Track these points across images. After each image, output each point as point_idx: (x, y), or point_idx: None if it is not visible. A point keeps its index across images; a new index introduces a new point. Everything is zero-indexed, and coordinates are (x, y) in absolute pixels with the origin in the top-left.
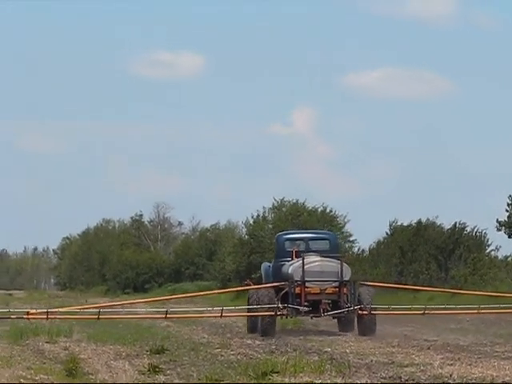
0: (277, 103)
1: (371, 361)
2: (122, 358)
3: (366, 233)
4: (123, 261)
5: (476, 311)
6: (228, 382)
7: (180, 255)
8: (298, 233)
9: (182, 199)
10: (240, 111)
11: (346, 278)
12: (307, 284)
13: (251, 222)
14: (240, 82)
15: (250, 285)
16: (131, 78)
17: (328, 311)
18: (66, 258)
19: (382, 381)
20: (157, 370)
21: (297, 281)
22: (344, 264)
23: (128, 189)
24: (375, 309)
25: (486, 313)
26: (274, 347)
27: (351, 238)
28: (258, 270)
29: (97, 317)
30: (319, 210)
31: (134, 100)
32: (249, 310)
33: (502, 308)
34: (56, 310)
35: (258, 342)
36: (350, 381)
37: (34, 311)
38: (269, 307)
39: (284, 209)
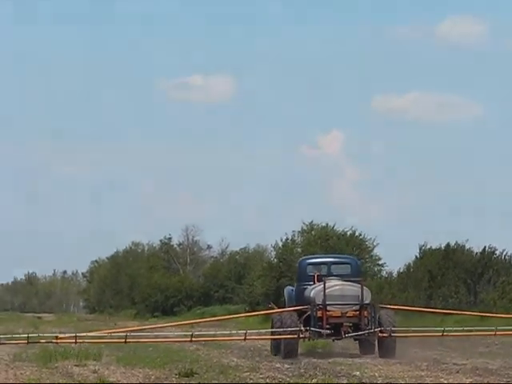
0: (306, 126)
1: None
2: (150, 381)
3: (394, 256)
4: (152, 284)
5: (493, 333)
6: None
7: (209, 278)
8: (320, 257)
9: (211, 222)
10: (268, 134)
11: (367, 302)
12: (329, 307)
13: (280, 245)
14: (268, 106)
15: (273, 308)
16: (161, 100)
17: (349, 333)
18: (94, 282)
19: None
20: None
21: (318, 304)
22: (364, 288)
23: (157, 212)
24: (395, 331)
25: (503, 334)
26: (302, 371)
27: (380, 262)
28: None
29: (124, 341)
30: (348, 233)
31: (162, 122)
32: (272, 333)
33: None
34: (84, 334)
35: (286, 366)
36: None
37: (62, 336)
38: (291, 330)
39: (313, 232)
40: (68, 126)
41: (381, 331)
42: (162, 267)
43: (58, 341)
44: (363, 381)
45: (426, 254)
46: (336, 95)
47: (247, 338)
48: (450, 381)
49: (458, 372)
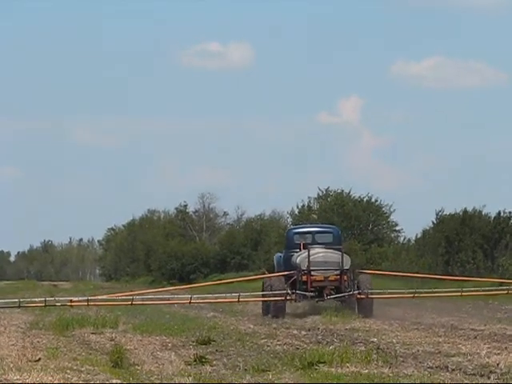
0: (324, 92)
1: (418, 350)
2: (167, 348)
3: (412, 222)
4: (168, 251)
5: (460, 294)
6: (274, 372)
7: (225, 245)
8: (305, 227)
9: (228, 189)
10: (287, 101)
11: (346, 267)
12: (312, 272)
13: (296, 211)
14: (288, 72)
15: (265, 273)
16: (179, 70)
17: (331, 296)
18: (111, 249)
19: (429, 370)
20: (203, 360)
21: (303, 270)
22: (344, 254)
23: (173, 179)
24: (372, 293)
25: (488, 294)
26: (320, 337)
27: (397, 228)
28: None
29: (130, 303)
30: (364, 199)
31: (180, 92)
32: (263, 296)
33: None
34: (95, 297)
35: (304, 332)
36: (396, 371)
37: (76, 299)
38: (279, 293)
39: (329, 199)
40: (89, 95)
41: (359, 293)
42: (178, 234)
43: (73, 304)
44: (381, 347)
45: (442, 220)
46: (357, 60)
47: (241, 300)
48: (468, 347)
49: (475, 338)
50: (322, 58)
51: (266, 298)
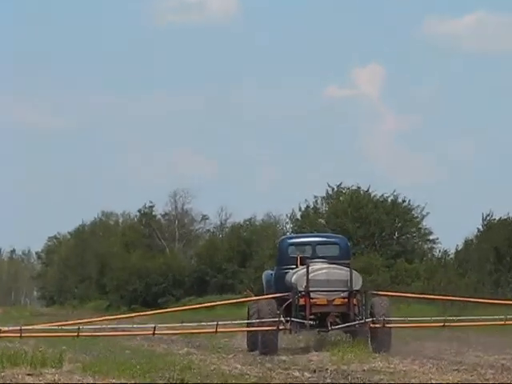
0: (334, 58)
1: None
2: None
3: (450, 230)
4: (129, 267)
5: (503, 322)
6: None
7: (204, 260)
8: (303, 236)
9: (208, 186)
10: (285, 70)
11: (357, 288)
12: (312, 294)
13: (298, 215)
14: (286, 31)
15: (250, 296)
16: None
17: (336, 325)
18: (53, 264)
19: None
20: None
21: (301, 291)
22: (354, 272)
23: (136, 172)
24: (390, 321)
25: None
26: (329, 381)
27: (431, 237)
28: None
29: (76, 334)
30: (388, 199)
31: (144, 57)
32: (248, 325)
33: None
34: (31, 327)
35: (307, 375)
36: None
37: (6, 329)
38: (270, 321)
39: (342, 198)
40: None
41: (373, 322)
42: (141, 245)
43: (1, 334)
44: None
45: (491, 227)
46: (375, 16)
47: (218, 330)
48: None
49: None
50: (329, 12)
51: (252, 328)
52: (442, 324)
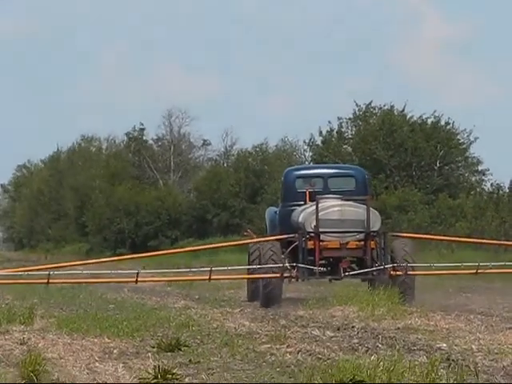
0: None
1: (511, 363)
2: (112, 358)
3: (504, 159)
4: (114, 204)
5: None
6: None
7: (205, 195)
8: (313, 168)
9: (209, 104)
10: None
11: (375, 229)
12: (323, 236)
13: (319, 141)
14: None
15: (251, 236)
16: None
17: (351, 271)
18: (22, 200)
19: None
20: (169, 376)
21: (309, 232)
22: (372, 209)
23: (121, 86)
24: (413, 268)
25: None
26: (356, 342)
27: (480, 168)
28: None
29: (46, 281)
30: (428, 121)
31: None
32: (249, 270)
33: None
34: None
35: (330, 334)
36: None
37: None
38: (272, 267)
39: (372, 120)
40: None
41: (393, 268)
42: (129, 176)
43: None
44: (453, 357)
45: None
46: None
47: (212, 277)
48: None
49: None
50: None
51: (251, 276)
52: (474, 271)
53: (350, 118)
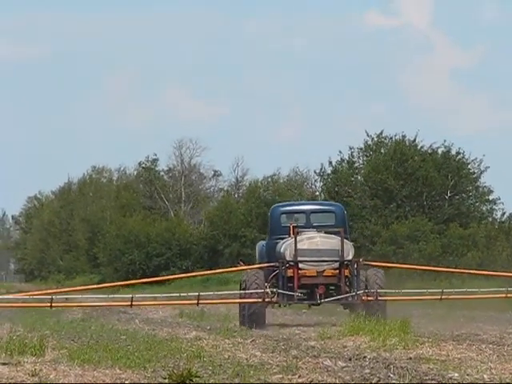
0: None
1: None
2: None
3: None
4: (125, 235)
5: (504, 295)
6: None
7: (216, 225)
8: (296, 204)
9: (221, 135)
10: None
11: (349, 258)
12: (301, 265)
13: (329, 171)
14: None
15: (242, 266)
16: None
17: (327, 297)
18: (33, 231)
19: None
20: None
21: (289, 261)
22: (345, 240)
23: (134, 119)
24: (384, 294)
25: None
26: (368, 371)
27: (491, 197)
28: None
29: (49, 305)
30: (439, 151)
31: None
32: (240, 296)
33: None
34: (2, 296)
35: (341, 364)
36: None
37: None
38: (255, 293)
39: (383, 150)
40: None
41: (366, 294)
42: (140, 207)
43: None
44: None
45: None
46: None
47: (200, 302)
48: None
49: None
50: None
51: (234, 300)
52: (438, 297)
53: (360, 148)
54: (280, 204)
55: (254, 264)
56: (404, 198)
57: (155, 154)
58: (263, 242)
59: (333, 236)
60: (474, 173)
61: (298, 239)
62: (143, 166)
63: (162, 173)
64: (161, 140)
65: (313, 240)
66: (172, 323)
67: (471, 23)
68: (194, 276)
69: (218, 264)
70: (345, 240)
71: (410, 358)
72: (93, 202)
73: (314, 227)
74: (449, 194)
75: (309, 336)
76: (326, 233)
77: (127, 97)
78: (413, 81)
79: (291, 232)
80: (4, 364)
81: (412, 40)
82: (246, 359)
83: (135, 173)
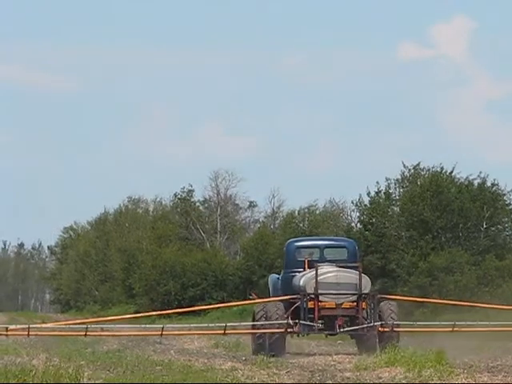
0: (410, 11)
1: None
2: None
3: None
4: (161, 265)
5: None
6: None
7: (252, 256)
8: (311, 239)
9: (256, 166)
10: (347, 24)
11: (366, 291)
12: (321, 297)
13: (367, 201)
14: None
15: (255, 298)
16: None
17: (345, 328)
18: (69, 261)
19: None
20: None
21: (310, 294)
22: (363, 275)
23: (171, 151)
24: (398, 325)
25: None
26: None
27: None
28: (377, 278)
29: (84, 334)
30: (475, 182)
31: (176, 6)
32: (254, 327)
33: None
34: (38, 325)
35: None
36: None
37: (13, 327)
38: (278, 323)
39: (419, 181)
40: None
41: (381, 325)
42: (176, 237)
43: (9, 333)
44: None
45: None
46: None
47: (227, 332)
48: None
49: None
50: None
51: (259, 330)
52: (450, 329)
53: (397, 179)
54: (295, 239)
55: (265, 297)
56: (440, 230)
57: (191, 185)
58: (277, 276)
59: (350, 270)
60: (510, 204)
61: (318, 273)
62: (179, 197)
63: (197, 203)
64: (197, 171)
65: (332, 274)
66: (207, 354)
67: (507, 53)
68: (227, 307)
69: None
70: (362, 274)
71: None
72: (129, 233)
73: (327, 261)
74: (484, 226)
75: (344, 367)
76: (339, 267)
77: (165, 129)
78: (449, 112)
79: (306, 266)
80: None
81: (448, 71)
82: None
83: (171, 204)
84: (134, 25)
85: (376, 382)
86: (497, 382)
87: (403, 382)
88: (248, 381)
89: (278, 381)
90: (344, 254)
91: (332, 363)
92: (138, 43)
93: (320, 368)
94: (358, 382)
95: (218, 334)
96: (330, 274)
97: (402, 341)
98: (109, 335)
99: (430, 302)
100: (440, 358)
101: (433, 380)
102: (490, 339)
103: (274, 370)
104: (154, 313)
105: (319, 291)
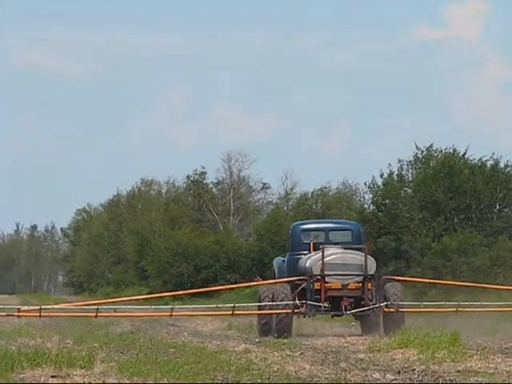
0: None
1: None
2: None
3: None
4: (174, 247)
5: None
6: None
7: (265, 238)
8: (316, 222)
9: (269, 147)
10: (361, 6)
11: (371, 272)
12: (327, 279)
13: (380, 183)
14: None
15: (260, 281)
16: None
17: (350, 309)
18: (82, 243)
19: None
20: None
21: (316, 275)
22: (368, 256)
23: (180, 130)
24: (403, 306)
25: None
26: None
27: None
28: (390, 259)
29: (95, 315)
30: (488, 164)
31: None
32: (260, 309)
33: None
34: (51, 306)
35: (390, 377)
36: None
37: (26, 308)
38: (285, 304)
39: (432, 163)
40: None
41: (387, 306)
42: (189, 220)
43: (21, 314)
44: None
45: None
46: None
47: (235, 313)
48: None
49: None
50: None
51: (267, 311)
52: (454, 309)
53: (410, 161)
54: (300, 222)
55: (269, 279)
56: (452, 211)
57: (203, 167)
58: (282, 258)
59: (356, 251)
60: None
61: (325, 254)
62: (192, 179)
63: (210, 185)
64: (210, 153)
65: (338, 255)
66: (221, 336)
67: None
68: (236, 288)
69: (266, 277)
70: (367, 255)
71: (459, 371)
72: (141, 215)
73: (332, 244)
74: (497, 207)
75: (357, 349)
76: (345, 249)
77: (178, 111)
78: (462, 93)
79: (311, 248)
80: (53, 377)
81: (461, 53)
82: (295, 372)
83: (184, 185)
84: (148, 5)
85: (389, 363)
86: (510, 363)
87: (417, 363)
88: (262, 363)
89: (292, 362)
90: (349, 236)
91: (345, 345)
92: (151, 23)
93: (333, 350)
94: (371, 363)
95: (226, 314)
96: (336, 256)
97: (415, 322)
98: (118, 315)
99: (439, 283)
100: (454, 339)
101: (446, 362)
102: (503, 320)
103: (288, 351)
104: (167, 293)
105: (326, 272)
